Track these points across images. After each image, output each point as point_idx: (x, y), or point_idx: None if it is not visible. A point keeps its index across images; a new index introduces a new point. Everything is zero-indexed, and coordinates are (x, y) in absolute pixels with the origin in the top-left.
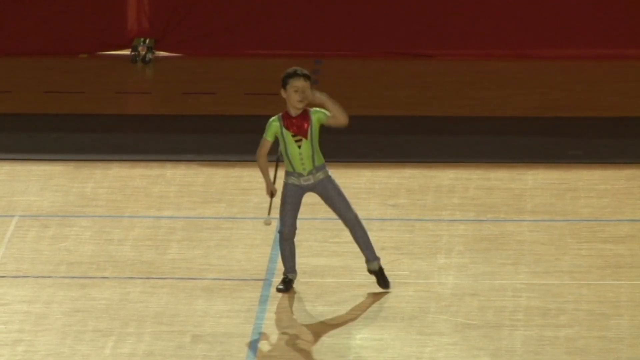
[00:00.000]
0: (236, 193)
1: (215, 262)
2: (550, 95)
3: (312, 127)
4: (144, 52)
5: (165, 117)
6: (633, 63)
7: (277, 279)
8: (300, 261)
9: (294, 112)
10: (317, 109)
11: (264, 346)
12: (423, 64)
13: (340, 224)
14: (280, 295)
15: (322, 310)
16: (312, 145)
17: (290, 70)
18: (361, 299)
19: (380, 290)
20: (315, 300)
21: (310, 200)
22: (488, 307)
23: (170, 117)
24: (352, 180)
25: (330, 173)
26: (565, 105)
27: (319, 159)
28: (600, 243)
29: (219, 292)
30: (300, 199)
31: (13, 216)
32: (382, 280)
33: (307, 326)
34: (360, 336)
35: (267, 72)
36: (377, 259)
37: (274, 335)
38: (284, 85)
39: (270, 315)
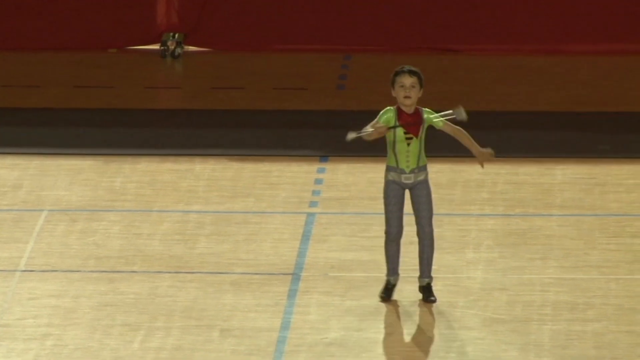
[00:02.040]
0: (265, 187)
1: (244, 256)
2: (580, 90)
3: (423, 126)
4: (173, 47)
5: (194, 111)
6: None
7: (306, 273)
8: (328, 255)
9: (406, 110)
10: (427, 109)
11: (292, 340)
12: (452, 59)
13: (369, 218)
14: (308, 289)
15: (350, 304)
16: (420, 145)
17: (398, 67)
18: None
19: (408, 285)
20: (344, 295)
21: (338, 195)
22: (516, 302)
23: (199, 112)
24: (381, 175)
25: (429, 176)
26: (595, 100)
27: (423, 160)
28: (629, 238)
29: (248, 287)
30: (403, 197)
31: (42, 210)
32: (428, 295)
33: (335, 320)
34: (388, 331)
35: (296, 67)
36: (431, 277)
37: (302, 330)
38: (392, 83)
39: (298, 310)
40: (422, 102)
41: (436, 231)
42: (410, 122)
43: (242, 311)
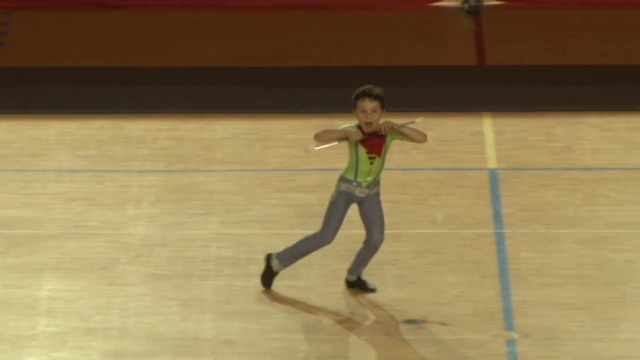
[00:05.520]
0: None
1: None
2: (243, 45)
3: (386, 146)
4: None
5: None
6: (319, 12)
7: None
8: None
9: (367, 130)
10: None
11: None
12: (115, 15)
13: (30, 175)
14: None
15: (12, 262)
16: (382, 163)
17: (359, 90)
18: (52, 250)
19: (70, 242)
20: (6, 252)
21: (6, 152)
22: (178, 258)
23: None
24: (41, 131)
25: (380, 190)
26: (258, 55)
27: (380, 175)
28: (290, 192)
29: None
30: (347, 210)
31: None
32: (364, 287)
33: None
34: (50, 287)
35: None
36: (360, 274)
37: None
38: (353, 105)
39: None
40: (85, 57)
41: (97, 187)
42: (372, 142)
43: None
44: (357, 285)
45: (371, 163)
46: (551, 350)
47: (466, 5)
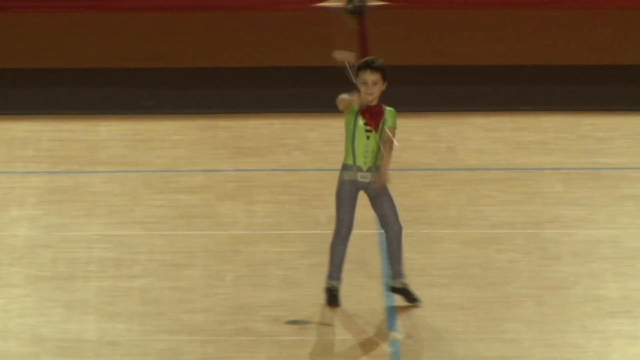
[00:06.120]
0: None
1: None
2: (125, 46)
3: (383, 122)
4: None
5: None
6: (201, 13)
7: None
8: None
9: (367, 102)
10: (391, 109)
11: None
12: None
13: None
14: None
15: None
16: (377, 143)
17: (362, 60)
18: None
19: None
20: None
21: None
22: (61, 259)
23: None
24: None
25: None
26: (140, 56)
27: (380, 159)
28: (174, 193)
29: None
30: (356, 197)
31: None
32: (408, 297)
33: None
34: None
35: None
36: (403, 276)
37: None
38: (356, 76)
39: None
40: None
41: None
42: (371, 113)
43: None
44: (401, 293)
45: (367, 137)
46: (434, 350)
47: (350, 6)
